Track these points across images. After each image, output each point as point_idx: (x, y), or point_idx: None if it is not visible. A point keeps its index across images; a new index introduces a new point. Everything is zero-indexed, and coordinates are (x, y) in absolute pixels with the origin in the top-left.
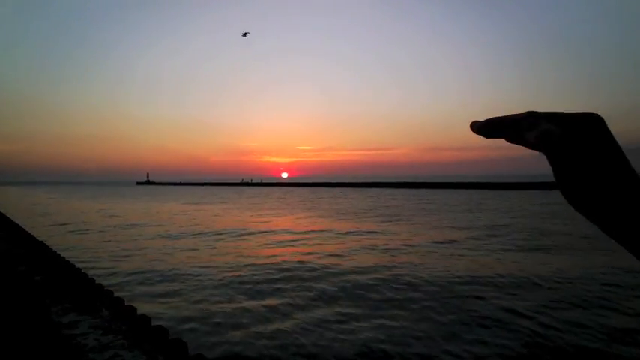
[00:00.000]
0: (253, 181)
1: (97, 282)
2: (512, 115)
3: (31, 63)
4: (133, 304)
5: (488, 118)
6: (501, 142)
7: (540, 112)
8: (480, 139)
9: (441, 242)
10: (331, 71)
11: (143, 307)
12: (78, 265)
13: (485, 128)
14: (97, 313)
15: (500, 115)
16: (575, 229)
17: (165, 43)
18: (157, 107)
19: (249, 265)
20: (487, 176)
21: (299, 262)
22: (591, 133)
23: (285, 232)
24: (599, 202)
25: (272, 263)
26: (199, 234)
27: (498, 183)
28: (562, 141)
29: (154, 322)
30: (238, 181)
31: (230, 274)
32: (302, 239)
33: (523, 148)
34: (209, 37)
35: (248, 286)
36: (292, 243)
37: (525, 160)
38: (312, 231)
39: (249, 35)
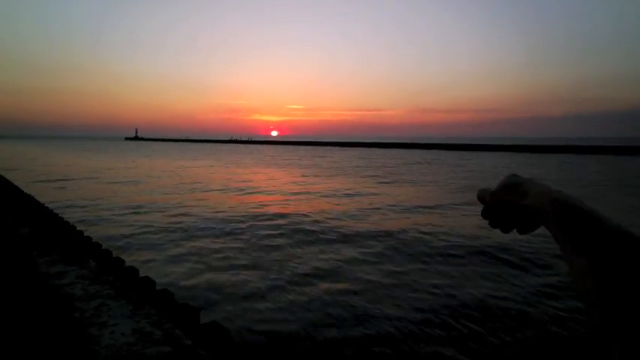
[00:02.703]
0: (242, 139)
1: (85, 234)
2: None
3: (17, 17)
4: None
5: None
6: (489, 106)
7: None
8: (468, 103)
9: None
10: (322, 33)
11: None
12: (68, 219)
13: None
14: (84, 265)
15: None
16: None
17: None
18: (143, 64)
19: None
20: (474, 138)
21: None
22: None
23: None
24: None
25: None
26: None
27: (488, 145)
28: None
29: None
30: (228, 139)
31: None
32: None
33: (511, 110)
34: None
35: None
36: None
37: (513, 122)
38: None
39: None
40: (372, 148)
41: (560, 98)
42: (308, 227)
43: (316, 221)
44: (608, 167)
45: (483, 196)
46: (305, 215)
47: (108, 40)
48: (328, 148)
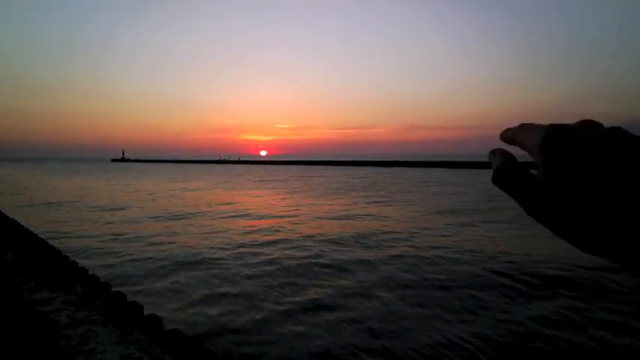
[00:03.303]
0: (231, 159)
1: (71, 259)
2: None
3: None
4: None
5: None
6: (477, 122)
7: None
8: (456, 119)
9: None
10: (309, 55)
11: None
12: (53, 243)
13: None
14: (70, 290)
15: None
16: None
17: (146, 18)
18: (134, 83)
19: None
20: (463, 155)
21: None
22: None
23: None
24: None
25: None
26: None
27: (473, 162)
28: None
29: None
30: (216, 159)
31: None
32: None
33: (499, 126)
34: (191, 15)
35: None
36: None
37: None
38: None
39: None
40: (361, 167)
41: (550, 113)
42: (304, 252)
43: (313, 245)
44: None
45: (519, 139)
46: (300, 239)
47: (103, 61)
48: (317, 167)
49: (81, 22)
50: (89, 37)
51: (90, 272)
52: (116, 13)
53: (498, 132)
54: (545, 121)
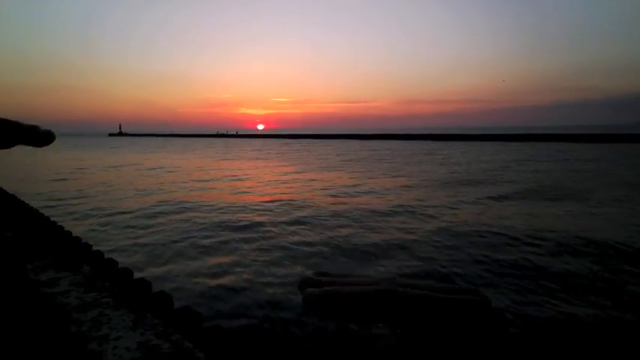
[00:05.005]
0: (229, 133)
1: (73, 235)
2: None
3: None
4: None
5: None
6: (475, 95)
7: None
8: (454, 93)
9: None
10: (308, 25)
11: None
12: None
13: None
14: (77, 270)
15: None
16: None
17: None
18: (129, 59)
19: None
20: (460, 127)
21: None
22: None
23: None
24: None
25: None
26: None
27: (469, 135)
28: None
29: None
30: (213, 133)
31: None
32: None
33: (499, 100)
34: None
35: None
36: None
37: (496, 113)
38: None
39: None
40: (363, 140)
41: (550, 87)
42: (323, 233)
43: (330, 219)
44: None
45: None
46: (315, 217)
47: (96, 36)
48: (317, 140)
49: None
50: (77, 10)
51: (94, 248)
52: None
53: (499, 105)
54: (544, 94)
